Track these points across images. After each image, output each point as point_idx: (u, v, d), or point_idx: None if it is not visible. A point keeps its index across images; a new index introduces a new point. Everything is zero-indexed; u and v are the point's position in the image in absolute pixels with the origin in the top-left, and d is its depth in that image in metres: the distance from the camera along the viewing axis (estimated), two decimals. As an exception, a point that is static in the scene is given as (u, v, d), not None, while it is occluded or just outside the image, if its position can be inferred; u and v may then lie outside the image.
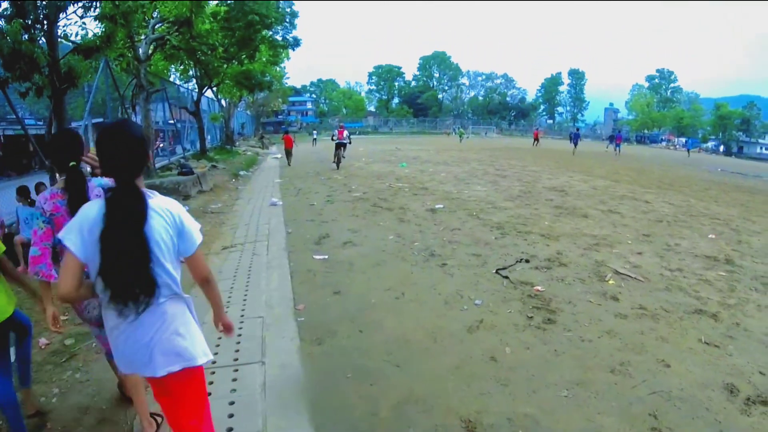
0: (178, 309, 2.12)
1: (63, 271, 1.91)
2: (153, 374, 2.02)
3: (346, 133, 19.35)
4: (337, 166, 18.87)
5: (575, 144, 36.81)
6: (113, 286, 1.90)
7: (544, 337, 4.30)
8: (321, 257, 6.65)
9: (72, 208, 2.47)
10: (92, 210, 1.93)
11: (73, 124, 11.72)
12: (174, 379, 2.06)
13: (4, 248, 2.85)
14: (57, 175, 3.93)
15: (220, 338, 4.16)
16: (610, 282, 5.77)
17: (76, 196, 2.52)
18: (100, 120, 13.76)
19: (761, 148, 75.82)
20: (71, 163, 2.58)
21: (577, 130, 46.69)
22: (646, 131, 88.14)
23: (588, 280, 5.85)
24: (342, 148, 19.11)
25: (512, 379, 3.61)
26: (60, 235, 1.94)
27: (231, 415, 3.12)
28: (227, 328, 2.55)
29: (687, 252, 7.34)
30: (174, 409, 2.21)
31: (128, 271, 1.90)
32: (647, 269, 6.34)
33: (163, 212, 2.00)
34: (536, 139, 44.91)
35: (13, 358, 2.95)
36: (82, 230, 1.89)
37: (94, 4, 8.31)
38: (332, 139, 19.46)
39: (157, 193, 2.08)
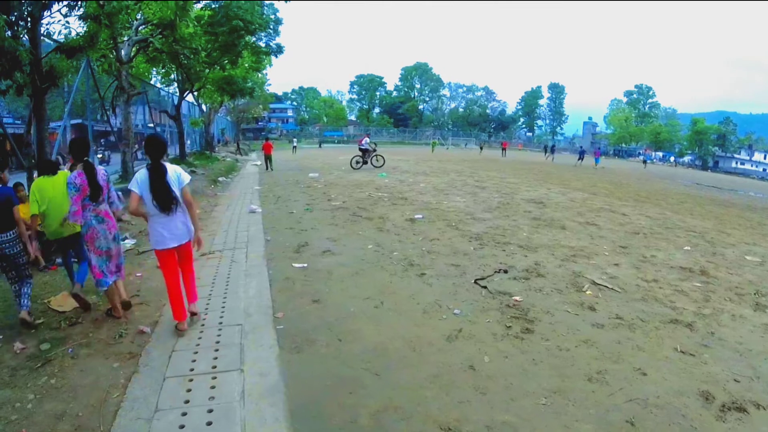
0: (183, 212, 4.36)
1: (131, 200, 4.13)
2: (180, 242, 4.35)
3: (366, 140, 24.18)
4: (353, 165, 23.08)
5: (552, 154, 42.42)
6: (160, 202, 4.14)
7: (522, 347, 4.33)
8: (300, 266, 6.61)
9: (90, 181, 4.44)
10: (143, 173, 4.15)
11: (52, 125, 11.53)
12: (185, 245, 4.45)
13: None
14: (66, 164, 5.58)
15: (198, 345, 4.13)
16: (588, 292, 5.84)
17: (91, 175, 4.47)
18: (79, 121, 13.54)
19: (736, 162, 77.79)
20: (85, 158, 4.54)
21: (554, 145, 53.86)
22: (623, 145, 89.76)
23: (565, 290, 5.90)
24: (366, 154, 23.39)
25: (491, 387, 3.62)
26: (129, 186, 4.20)
27: (209, 423, 3.09)
28: (198, 243, 4.57)
29: (663, 263, 7.46)
30: (184, 261, 4.57)
31: (164, 195, 4.15)
32: (624, 280, 6.43)
33: (171, 170, 4.27)
34: (504, 150, 48.86)
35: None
36: (138, 182, 4.13)
37: (79, 3, 8.21)
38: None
39: (167, 162, 4.33)
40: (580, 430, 3.16)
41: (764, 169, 43.68)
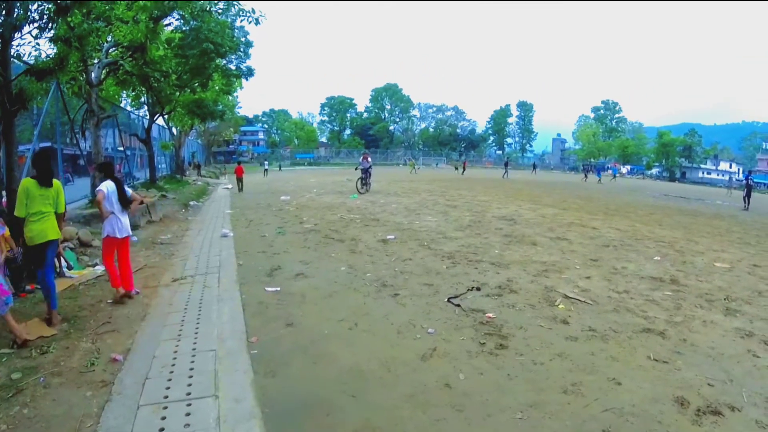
0: (127, 212, 6.10)
1: (100, 196, 5.70)
2: (126, 235, 6.03)
3: (368, 159, 23.66)
4: (359, 189, 22.04)
5: (506, 170, 47.24)
6: (123, 203, 5.97)
7: (496, 363, 4.35)
8: (273, 289, 6.55)
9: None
10: (111, 183, 5.90)
11: (21, 148, 11.28)
12: (127, 238, 6.12)
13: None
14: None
15: (172, 372, 4.06)
16: (560, 306, 5.91)
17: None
18: (48, 144, 13.27)
19: (703, 172, 80.00)
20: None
21: (507, 158, 65.09)
22: (592, 160, 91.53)
23: (538, 305, 5.96)
24: (365, 174, 22.37)
25: (467, 404, 3.62)
26: (99, 187, 5.82)
27: (184, 452, 3.02)
28: (138, 201, 6.45)
29: (634, 274, 7.60)
30: (124, 251, 6.14)
31: (125, 198, 5.99)
32: (596, 292, 6.53)
33: (120, 180, 6.16)
34: (464, 168, 53.23)
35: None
36: (108, 188, 5.83)
37: (50, 25, 8.11)
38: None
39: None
40: (556, 443, 3.17)
41: (729, 178, 45.51)
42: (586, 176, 50.31)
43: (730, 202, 26.85)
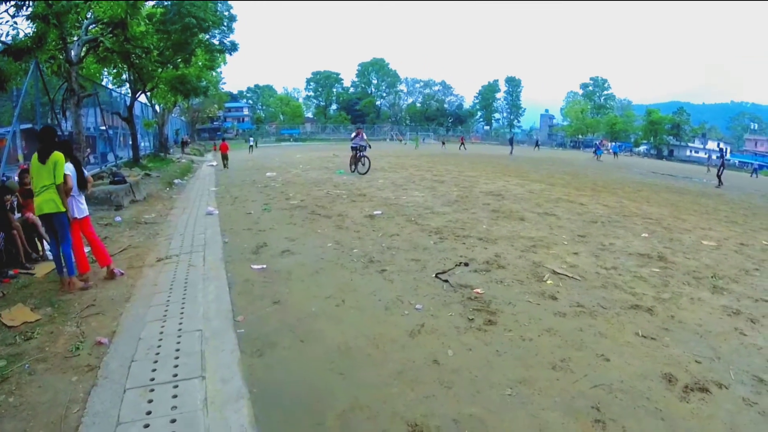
0: (84, 193, 6.04)
1: (69, 180, 5.48)
2: (84, 215, 5.94)
3: (361, 136, 19.67)
4: (358, 170, 19.27)
5: (512, 147, 45.26)
6: (80, 184, 5.82)
7: (485, 339, 4.34)
8: (259, 267, 6.48)
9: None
10: (70, 165, 5.59)
11: (0, 131, 11.04)
12: (86, 218, 6.01)
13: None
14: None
15: (158, 354, 3.99)
16: (548, 282, 5.91)
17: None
18: (29, 126, 12.98)
19: (690, 151, 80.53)
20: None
21: (513, 135, 57.13)
22: (580, 136, 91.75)
23: (526, 281, 5.96)
24: (357, 151, 19.38)
25: (456, 381, 3.61)
26: (65, 171, 5.43)
27: (172, 434, 2.97)
28: (91, 182, 6.36)
29: (621, 251, 7.62)
30: (87, 232, 6.01)
31: (82, 178, 5.86)
32: (584, 268, 6.54)
33: (78, 160, 6.01)
34: (462, 143, 52.42)
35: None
36: (71, 170, 5.61)
37: (27, 3, 7.84)
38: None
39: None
40: (546, 418, 3.17)
41: (708, 156, 45.79)
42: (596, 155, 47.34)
43: (708, 179, 27.06)
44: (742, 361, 4.06)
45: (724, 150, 29.30)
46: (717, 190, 21.18)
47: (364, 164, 19.22)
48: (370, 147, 20.03)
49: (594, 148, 50.84)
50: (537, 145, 65.86)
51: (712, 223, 10.91)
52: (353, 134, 20.18)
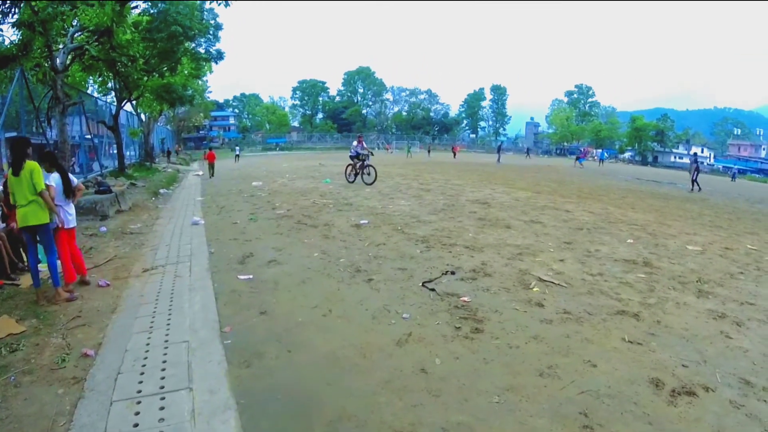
0: (72, 202, 5.99)
1: (51, 191, 5.45)
2: (72, 226, 5.95)
3: (362, 144, 18.89)
4: (363, 180, 18.37)
5: (499, 155, 46.19)
6: (66, 193, 5.82)
7: (472, 347, 4.35)
8: (245, 277, 6.45)
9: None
10: (56, 175, 5.72)
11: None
12: (73, 229, 6.04)
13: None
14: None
15: (144, 365, 3.96)
16: (535, 289, 5.93)
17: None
18: (14, 134, 12.85)
19: (675, 157, 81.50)
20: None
21: (501, 143, 57.86)
22: (565, 144, 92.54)
23: (513, 288, 5.98)
24: (358, 160, 18.53)
25: (444, 389, 3.61)
26: (47, 181, 5.44)
27: (159, 447, 2.95)
28: (81, 190, 6.40)
29: (607, 257, 7.68)
30: (72, 243, 5.97)
31: (69, 187, 5.84)
32: (570, 275, 6.58)
33: (65, 170, 6.00)
34: (454, 153, 54.06)
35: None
36: (57, 180, 5.71)
37: (13, 10, 7.78)
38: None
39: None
40: (534, 425, 3.18)
41: (690, 162, 46.43)
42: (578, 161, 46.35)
43: (687, 185, 27.39)
44: (729, 363, 4.11)
45: (696, 155, 29.49)
46: (700, 195, 21.42)
47: (369, 174, 18.27)
48: (372, 155, 19.20)
49: (576, 156, 50.69)
50: (528, 153, 66.63)
51: (696, 228, 11.04)
52: (354, 142, 19.30)
